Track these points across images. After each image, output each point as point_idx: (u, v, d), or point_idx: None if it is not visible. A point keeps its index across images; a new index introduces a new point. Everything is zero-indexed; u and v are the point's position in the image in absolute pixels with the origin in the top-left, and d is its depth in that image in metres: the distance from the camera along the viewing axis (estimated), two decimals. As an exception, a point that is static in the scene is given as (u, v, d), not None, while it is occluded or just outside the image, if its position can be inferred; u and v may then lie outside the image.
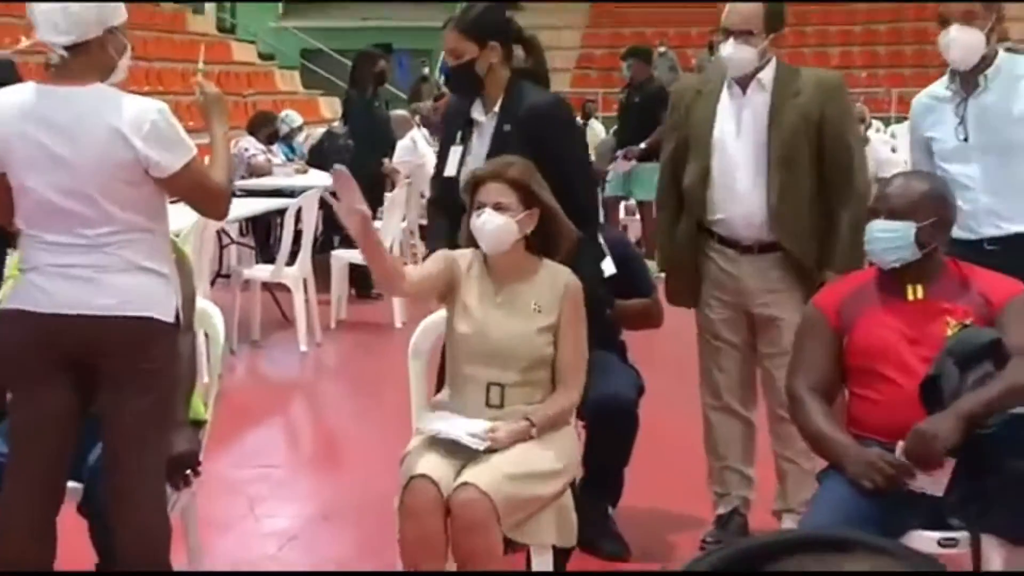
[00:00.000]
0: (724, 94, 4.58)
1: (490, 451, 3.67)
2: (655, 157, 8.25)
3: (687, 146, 4.62)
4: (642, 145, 11.88)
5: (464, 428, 3.70)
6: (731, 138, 4.54)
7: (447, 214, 4.42)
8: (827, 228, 4.50)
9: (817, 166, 4.49)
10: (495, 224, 3.83)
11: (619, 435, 4.69)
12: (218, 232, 9.33)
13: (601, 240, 4.60)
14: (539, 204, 3.85)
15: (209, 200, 3.58)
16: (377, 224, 9.38)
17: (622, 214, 13.23)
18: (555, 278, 3.91)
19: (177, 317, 3.52)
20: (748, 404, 4.81)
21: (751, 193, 4.50)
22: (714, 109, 4.56)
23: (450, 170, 4.53)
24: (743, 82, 4.56)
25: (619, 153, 12.21)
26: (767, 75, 4.54)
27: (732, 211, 4.55)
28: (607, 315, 4.72)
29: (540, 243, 3.92)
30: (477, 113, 4.55)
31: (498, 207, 3.83)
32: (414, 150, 11.96)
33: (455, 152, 4.55)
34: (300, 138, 13.29)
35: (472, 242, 3.91)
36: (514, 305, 3.89)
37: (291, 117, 13.16)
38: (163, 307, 3.47)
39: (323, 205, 9.35)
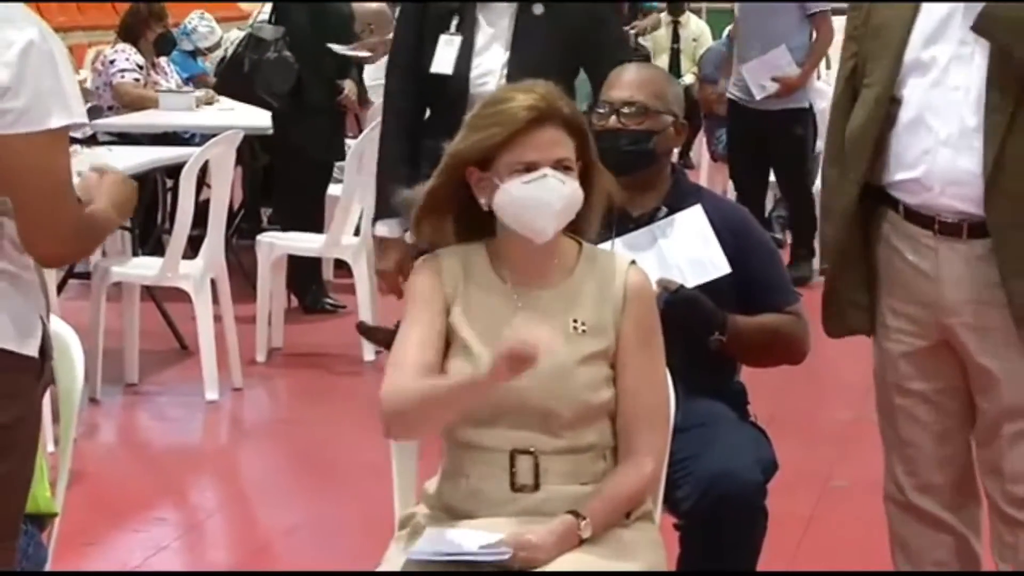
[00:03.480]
0: None
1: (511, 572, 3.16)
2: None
3: (865, 67, 3.98)
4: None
5: (470, 540, 3.19)
6: (940, 53, 3.79)
7: (416, 136, 4.24)
8: None
9: None
10: (566, 195, 3.32)
11: (736, 541, 3.89)
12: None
13: (702, 214, 4.04)
14: (588, 156, 3.41)
15: (55, 211, 2.94)
16: (336, 189, 7.86)
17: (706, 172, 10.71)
18: (606, 273, 3.41)
19: (43, 350, 3.03)
20: (959, 503, 3.94)
21: (964, 140, 3.76)
22: (914, 9, 3.82)
23: (442, 65, 4.22)
24: None
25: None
26: None
27: (932, 167, 3.81)
28: (714, 342, 4.01)
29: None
30: None
31: (561, 166, 3.32)
32: None
33: (449, 43, 4.26)
34: (217, 54, 10.59)
35: (473, 233, 3.40)
36: (544, 324, 3.35)
37: (202, 26, 10.44)
38: (19, 332, 2.98)
39: (243, 159, 7.85)
